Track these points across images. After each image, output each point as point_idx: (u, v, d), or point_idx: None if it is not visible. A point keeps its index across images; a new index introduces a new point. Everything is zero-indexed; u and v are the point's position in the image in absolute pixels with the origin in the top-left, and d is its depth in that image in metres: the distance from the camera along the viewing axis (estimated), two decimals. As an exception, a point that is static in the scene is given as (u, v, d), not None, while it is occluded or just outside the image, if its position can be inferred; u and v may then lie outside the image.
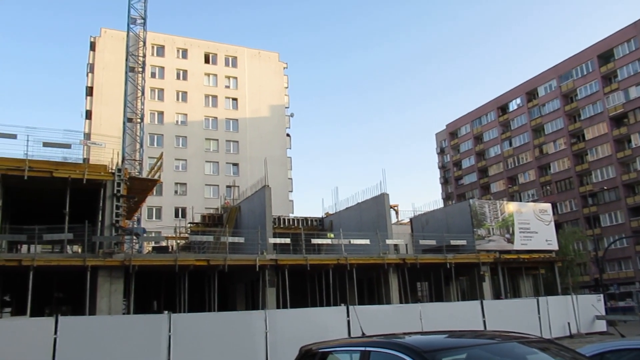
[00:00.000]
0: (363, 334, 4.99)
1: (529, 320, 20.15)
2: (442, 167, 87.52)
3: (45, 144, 21.59)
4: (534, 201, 53.19)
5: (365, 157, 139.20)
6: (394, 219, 34.24)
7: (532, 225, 33.61)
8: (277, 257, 25.25)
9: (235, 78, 61.41)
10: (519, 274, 34.90)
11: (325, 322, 14.70)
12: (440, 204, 42.15)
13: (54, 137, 22.21)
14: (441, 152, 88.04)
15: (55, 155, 22.46)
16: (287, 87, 65.15)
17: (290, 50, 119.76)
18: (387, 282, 27.70)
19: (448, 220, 33.96)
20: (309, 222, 37.44)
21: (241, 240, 25.89)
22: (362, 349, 3.97)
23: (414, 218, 38.38)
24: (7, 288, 25.68)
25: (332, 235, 30.01)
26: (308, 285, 29.19)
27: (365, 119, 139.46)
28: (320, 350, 4.61)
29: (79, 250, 27.78)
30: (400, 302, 26.76)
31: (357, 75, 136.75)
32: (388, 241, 27.80)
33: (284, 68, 65.11)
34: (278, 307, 24.22)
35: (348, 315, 14.72)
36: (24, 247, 29.78)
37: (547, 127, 67.14)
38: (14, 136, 20.71)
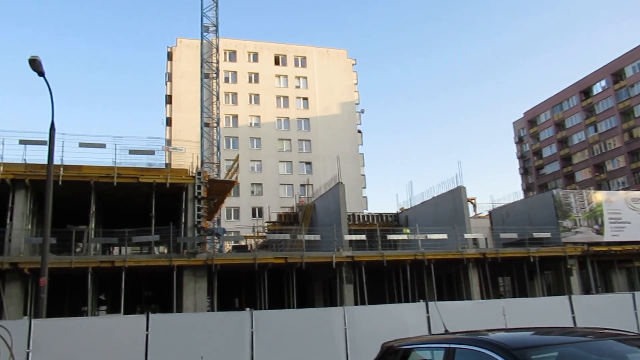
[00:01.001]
0: (446, 330, 4.87)
1: (624, 317, 18.80)
2: (521, 157, 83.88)
3: (132, 152, 22.92)
4: (624, 189, 49.75)
5: (439, 150, 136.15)
6: (471, 213, 33.31)
7: (624, 214, 31.46)
8: (353, 253, 25.28)
9: (305, 78, 62.10)
10: (611, 267, 32.75)
11: (404, 319, 14.50)
12: (521, 196, 40.58)
13: (138, 144, 23.52)
14: (519, 141, 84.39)
15: (140, 161, 23.77)
16: (356, 84, 65.02)
17: (359, 46, 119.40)
18: (466, 277, 26.97)
19: (530, 212, 32.51)
20: (384, 218, 37.18)
21: (317, 237, 26.15)
22: (446, 346, 3.87)
23: (493, 211, 37.08)
24: (102, 288, 27.47)
25: (408, 231, 29.63)
26: (385, 282, 29.00)
27: (438, 110, 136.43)
28: (402, 347, 4.55)
29: (165, 251, 29.21)
30: (481, 298, 25.95)
31: (429, 67, 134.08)
32: (466, 235, 27.03)
33: (353, 64, 65.03)
34: (356, 304, 24.24)
35: (427, 312, 14.44)
36: (116, 250, 31.76)
37: (638, 110, 62.49)
38: (103, 145, 22.15)
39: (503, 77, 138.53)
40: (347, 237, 26.19)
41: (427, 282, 26.80)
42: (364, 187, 61.58)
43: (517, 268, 29.79)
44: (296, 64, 62.42)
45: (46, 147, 14.01)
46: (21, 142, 21.24)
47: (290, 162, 59.01)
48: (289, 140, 59.70)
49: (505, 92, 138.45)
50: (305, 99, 61.45)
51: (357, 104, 64.04)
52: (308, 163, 59.35)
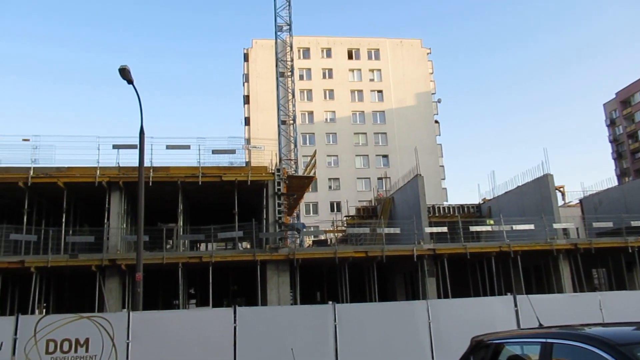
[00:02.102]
0: (540, 324, 4.63)
1: None
2: (614, 141, 78.35)
3: (214, 152, 23.82)
4: None
5: (522, 137, 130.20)
6: (560, 202, 31.56)
7: None
8: (434, 246, 24.81)
9: (379, 70, 61.58)
10: None
11: (491, 313, 14.04)
12: (615, 182, 37.84)
13: (220, 144, 24.38)
14: (612, 124, 78.86)
15: (223, 160, 24.64)
16: (432, 73, 63.60)
17: (434, 35, 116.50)
18: (557, 269, 25.63)
19: (626, 199, 30.33)
20: (465, 209, 36.15)
21: (397, 230, 25.90)
22: (543, 340, 3.66)
23: (584, 199, 34.95)
24: (191, 282, 28.82)
25: (491, 222, 28.58)
26: (469, 275, 28.22)
27: (519, 95, 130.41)
28: (493, 342, 4.39)
29: (248, 246, 30.14)
30: (574, 291, 24.56)
31: (508, 53, 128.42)
32: (555, 225, 25.66)
33: (428, 54, 63.64)
34: (439, 297, 23.81)
35: (516, 305, 13.89)
36: (202, 246, 33.21)
37: None
38: (188, 147, 23.19)
39: (590, 60, 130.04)
40: (428, 230, 25.73)
41: (513, 275, 25.77)
42: (443, 179, 60.22)
43: (614, 259, 27.91)
44: (369, 57, 62.03)
45: (137, 151, 14.88)
46: (114, 146, 22.70)
47: (367, 155, 58.82)
48: (365, 133, 59.51)
49: (593, 74, 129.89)
50: (379, 91, 60.95)
51: (433, 93, 62.66)
52: (385, 156, 58.88)
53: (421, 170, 28.32)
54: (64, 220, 22.85)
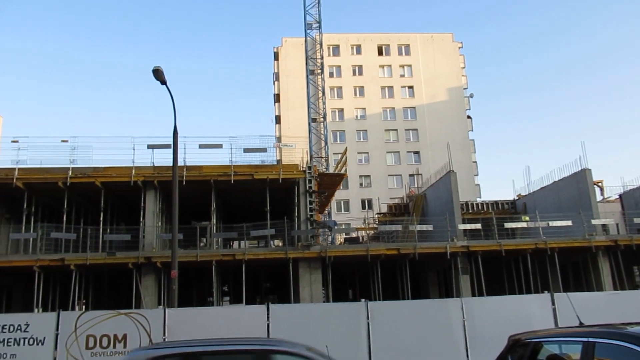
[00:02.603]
0: (581, 323, 4.50)
1: None
2: (656, 134, 75.73)
3: (246, 150, 24.06)
4: None
5: (558, 131, 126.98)
6: (598, 197, 30.69)
7: None
8: (468, 243, 24.48)
9: (410, 66, 61.03)
10: None
11: (527, 311, 13.77)
12: (657, 176, 36.54)
13: (251, 143, 24.64)
14: (653, 116, 76.23)
15: (254, 159, 24.87)
16: (464, 67, 62.69)
17: (466, 29, 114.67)
18: (596, 266, 24.93)
19: (669, 194, 29.26)
20: (500, 205, 35.51)
21: (430, 228, 25.65)
22: (584, 340, 3.55)
23: (624, 194, 33.85)
24: (224, 279, 29.19)
25: (527, 218, 27.99)
26: (504, 272, 27.73)
27: (554, 89, 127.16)
28: (531, 341, 4.29)
29: (280, 244, 30.32)
30: (614, 289, 23.86)
31: (542, 45, 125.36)
32: (594, 221, 24.95)
33: (459, 48, 62.74)
34: (473, 295, 23.48)
35: (553, 303, 13.59)
36: (235, 244, 33.56)
37: None
38: (220, 146, 23.50)
39: (630, 51, 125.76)
40: (462, 227, 25.38)
41: (550, 272, 25.20)
42: (476, 175, 59.35)
43: (657, 256, 26.99)
44: (400, 53, 61.54)
45: (171, 150, 15.14)
46: (149, 146, 23.17)
47: (398, 152, 58.41)
48: (396, 130, 59.10)
49: (628, 57, 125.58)
50: (410, 87, 60.41)
51: (465, 88, 61.76)
52: (416, 152, 58.36)
53: (454, 166, 27.95)
54: (101, 219, 23.45)
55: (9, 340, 11.69)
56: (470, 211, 34.74)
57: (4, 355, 11.56)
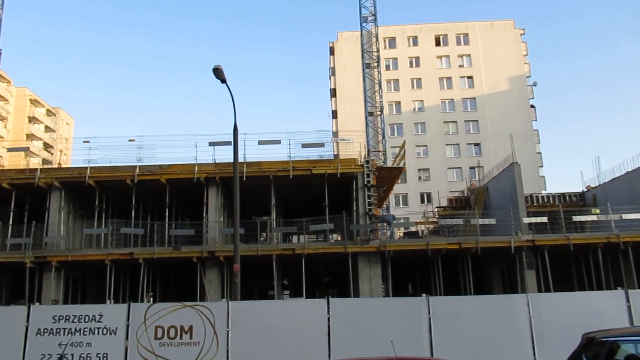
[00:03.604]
0: (660, 322, 4.22)
1: None
2: None
3: (304, 145, 24.29)
4: None
5: (630, 118, 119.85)
6: (678, 188, 28.75)
7: None
8: (533, 237, 23.62)
9: (469, 55, 59.41)
10: None
11: (599, 308, 13.13)
12: None
13: (309, 138, 24.80)
14: None
15: (312, 154, 25.06)
16: (526, 55, 60.33)
17: (528, 14, 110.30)
18: (676, 262, 23.44)
19: None
20: (567, 197, 34.01)
21: (492, 221, 24.94)
22: (666, 339, 3.35)
23: None
24: (285, 273, 29.62)
25: (597, 211, 26.63)
26: (572, 267, 26.56)
27: (624, 73, 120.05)
28: (607, 340, 4.07)
29: (339, 238, 30.41)
30: (699, 286, 22.34)
31: (612, 24, 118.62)
32: (672, 214, 23.45)
33: (522, 34, 60.43)
34: (539, 291, 22.67)
35: (628, 301, 12.89)
36: (294, 238, 33.96)
37: None
38: (278, 142, 23.83)
39: None
40: (526, 220, 24.51)
41: (624, 268, 23.88)
42: (541, 166, 57.09)
43: None
44: (458, 42, 60.02)
45: (231, 147, 15.50)
46: (210, 144, 23.86)
47: (458, 144, 57.10)
48: (455, 122, 57.77)
49: None
50: (469, 77, 58.84)
51: (528, 77, 59.43)
52: (477, 144, 56.84)
53: (517, 157, 27.02)
54: (167, 214, 24.35)
55: (85, 329, 12.38)
56: (535, 204, 33.49)
57: (81, 344, 12.26)
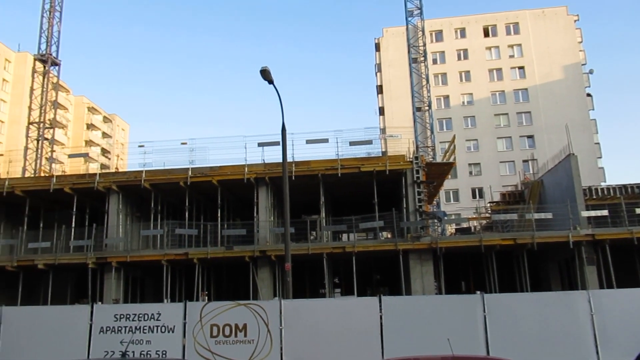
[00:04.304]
0: None
1: None
2: None
3: (352, 143, 24.25)
4: None
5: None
6: None
7: None
8: (593, 231, 22.66)
9: (519, 45, 57.62)
10: None
11: (668, 305, 12.47)
12: None
13: (356, 136, 24.76)
14: None
15: (360, 152, 24.98)
16: (581, 42, 57.93)
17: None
18: None
19: None
20: (629, 189, 32.37)
21: (549, 216, 24.09)
22: None
23: None
24: (335, 272, 29.68)
25: (662, 203, 25.28)
26: (636, 263, 25.32)
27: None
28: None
29: (389, 236, 30.19)
30: None
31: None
32: None
33: (576, 21, 58.06)
34: (600, 287, 21.72)
35: (702, 298, 12.17)
36: (344, 236, 33.96)
37: None
38: (326, 140, 23.89)
39: None
40: (585, 214, 23.53)
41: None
42: (599, 157, 54.69)
43: None
44: (508, 32, 58.31)
45: (279, 147, 15.65)
46: (259, 144, 24.20)
47: (510, 137, 55.52)
48: (506, 114, 56.20)
49: None
50: (521, 68, 57.06)
51: (583, 64, 57.05)
52: (530, 136, 55.09)
53: (573, 149, 26.00)
54: (219, 215, 24.87)
55: (145, 327, 12.81)
56: (594, 197, 32.08)
57: (141, 341, 12.69)
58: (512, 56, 57.66)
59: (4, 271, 24.93)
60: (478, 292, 12.82)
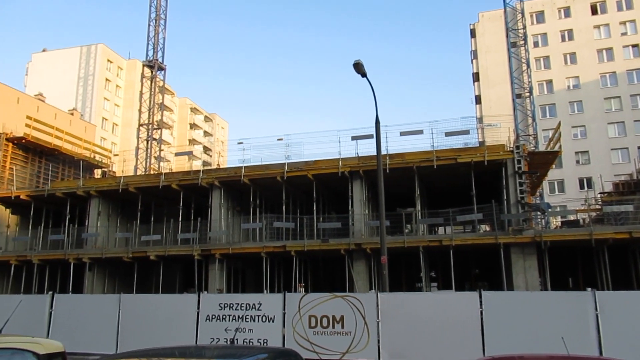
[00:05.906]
0: None
1: None
2: None
3: (447, 134, 23.61)
4: None
5: None
6: None
7: None
8: None
9: (633, 21, 52.87)
10: None
11: None
12: None
13: (452, 126, 24.09)
14: None
15: (456, 142, 24.25)
16: None
17: None
18: None
19: None
20: None
21: (670, 207, 21.96)
22: None
23: None
24: (432, 265, 29.12)
25: None
26: None
27: None
28: None
29: (488, 229, 29.07)
30: None
31: None
32: None
33: (700, -10, 52.23)
34: None
35: None
36: (440, 229, 33.22)
37: None
38: (421, 132, 23.46)
39: None
40: None
41: None
42: None
43: None
44: (619, 8, 53.67)
45: (373, 140, 15.62)
46: (353, 138, 24.30)
47: (622, 122, 51.20)
48: (618, 97, 51.83)
49: None
50: (635, 46, 52.36)
51: None
52: (646, 121, 50.49)
53: (700, 133, 23.45)
54: (314, 208, 25.34)
55: (247, 316, 13.42)
56: None
57: (244, 330, 13.32)
58: (624, 34, 53.01)
59: (121, 262, 27.22)
60: (589, 289, 12.04)
